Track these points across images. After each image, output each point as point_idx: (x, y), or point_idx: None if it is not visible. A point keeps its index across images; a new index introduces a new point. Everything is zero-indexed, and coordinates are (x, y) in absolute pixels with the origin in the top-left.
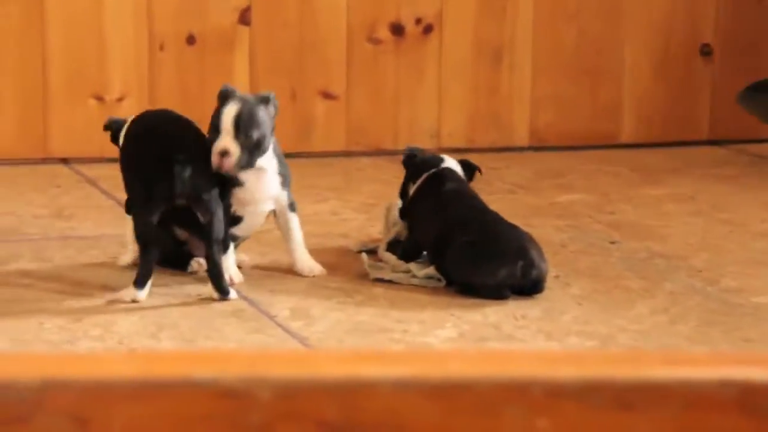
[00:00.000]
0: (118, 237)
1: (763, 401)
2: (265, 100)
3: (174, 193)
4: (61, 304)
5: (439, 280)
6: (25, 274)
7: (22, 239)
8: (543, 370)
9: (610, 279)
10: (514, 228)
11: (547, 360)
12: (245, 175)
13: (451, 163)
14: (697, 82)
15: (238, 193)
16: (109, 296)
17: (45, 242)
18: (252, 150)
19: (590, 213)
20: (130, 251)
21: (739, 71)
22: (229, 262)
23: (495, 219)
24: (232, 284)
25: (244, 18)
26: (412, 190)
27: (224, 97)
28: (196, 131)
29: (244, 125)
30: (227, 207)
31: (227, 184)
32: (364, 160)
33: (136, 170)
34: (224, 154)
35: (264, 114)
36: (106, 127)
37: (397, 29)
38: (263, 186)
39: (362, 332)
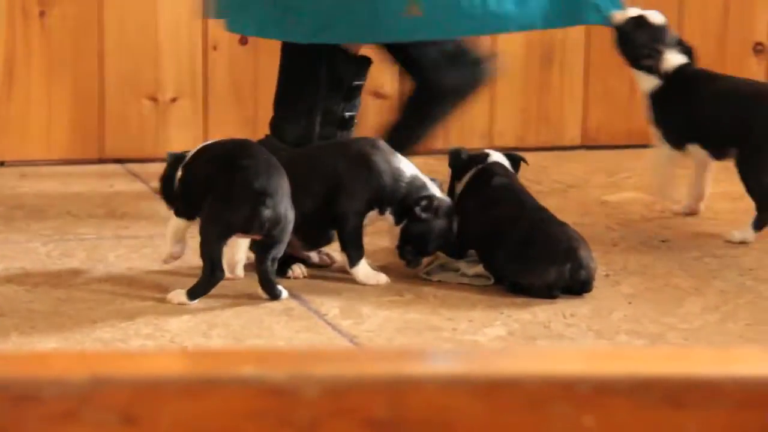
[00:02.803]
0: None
1: None
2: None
3: (252, 227)
4: (113, 302)
5: (488, 278)
6: (79, 272)
7: (76, 238)
8: (590, 368)
9: (660, 277)
10: (563, 227)
11: (594, 357)
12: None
13: (497, 157)
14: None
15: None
16: (160, 294)
17: (98, 241)
18: None
19: (641, 211)
20: (166, 253)
21: None
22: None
23: (544, 217)
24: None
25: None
26: (459, 188)
27: (451, 210)
28: (279, 166)
29: None
30: (365, 208)
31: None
32: (416, 160)
33: (220, 193)
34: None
35: None
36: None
37: None
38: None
39: (412, 330)
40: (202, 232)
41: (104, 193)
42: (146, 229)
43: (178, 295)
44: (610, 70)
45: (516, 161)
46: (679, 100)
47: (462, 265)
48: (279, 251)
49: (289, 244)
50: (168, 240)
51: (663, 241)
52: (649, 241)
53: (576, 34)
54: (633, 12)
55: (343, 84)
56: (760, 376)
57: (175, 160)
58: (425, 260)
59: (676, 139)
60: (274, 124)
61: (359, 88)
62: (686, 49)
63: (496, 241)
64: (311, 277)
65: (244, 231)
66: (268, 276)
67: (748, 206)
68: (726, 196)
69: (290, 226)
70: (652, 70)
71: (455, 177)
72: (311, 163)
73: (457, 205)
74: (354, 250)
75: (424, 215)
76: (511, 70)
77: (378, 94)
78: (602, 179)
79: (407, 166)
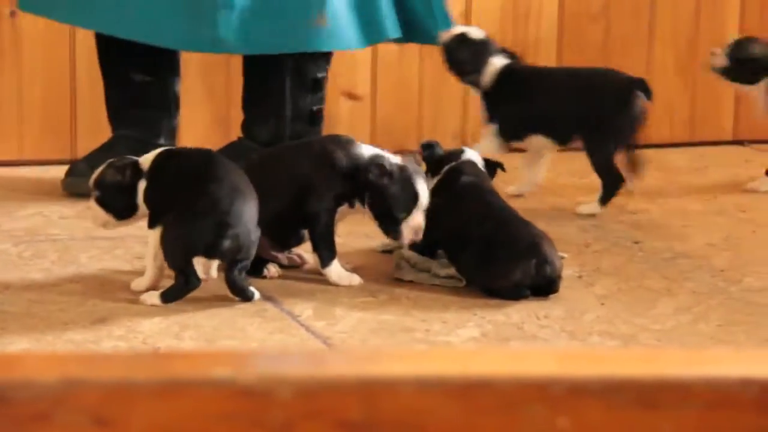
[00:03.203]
0: (143, 238)
1: None
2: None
3: (213, 256)
4: (85, 304)
5: (459, 280)
6: (50, 274)
7: (48, 239)
8: (563, 369)
9: (633, 279)
10: (526, 225)
11: (567, 359)
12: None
13: (471, 155)
14: (721, 83)
15: (344, 209)
16: (132, 295)
17: (70, 242)
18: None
19: (613, 213)
20: (148, 276)
21: None
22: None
23: (508, 217)
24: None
25: None
26: (431, 184)
27: (407, 176)
28: (243, 186)
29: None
30: (335, 206)
31: (341, 202)
32: None
33: (183, 218)
34: (418, 232)
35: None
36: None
37: None
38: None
39: (385, 332)
40: (166, 250)
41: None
42: (118, 230)
43: (152, 297)
44: None
45: (493, 167)
46: (515, 97)
47: (434, 266)
48: (246, 265)
49: (259, 245)
50: (151, 261)
51: (635, 243)
52: (622, 242)
53: (548, 34)
54: (456, 30)
55: (307, 78)
56: (731, 377)
57: (134, 169)
58: (399, 260)
59: (516, 132)
60: (245, 126)
61: (323, 80)
62: (511, 55)
63: (461, 243)
64: (284, 278)
65: (206, 257)
66: (236, 284)
67: (719, 207)
68: (700, 197)
69: (255, 246)
70: (475, 83)
71: (429, 172)
72: (278, 164)
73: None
74: (326, 251)
75: (379, 181)
76: None
77: (351, 95)
78: (575, 181)
79: (367, 149)
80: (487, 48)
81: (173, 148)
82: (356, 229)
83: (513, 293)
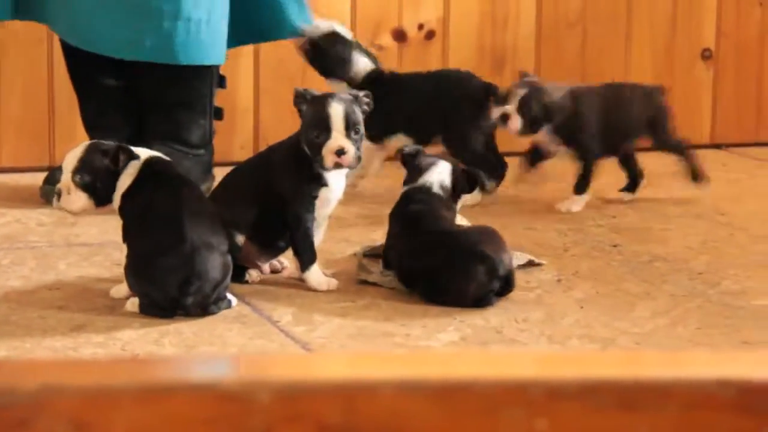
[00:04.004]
0: (121, 245)
1: (761, 400)
2: (356, 99)
3: (191, 305)
4: (64, 311)
5: None
6: (29, 281)
7: (27, 246)
8: (542, 372)
9: (612, 282)
10: (466, 234)
11: (546, 361)
12: (329, 174)
13: (435, 176)
14: (699, 87)
15: (322, 193)
16: (111, 302)
17: (49, 249)
18: (359, 146)
19: (592, 216)
20: (125, 284)
21: (740, 75)
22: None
23: (448, 238)
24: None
25: None
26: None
27: (320, 97)
28: (208, 230)
29: (353, 122)
30: (311, 208)
31: (314, 185)
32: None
33: (145, 264)
34: (342, 152)
35: (360, 111)
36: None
37: (400, 35)
38: (340, 186)
39: (365, 337)
40: (130, 286)
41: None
42: (97, 237)
43: (133, 304)
44: (560, 76)
45: (474, 180)
46: (378, 100)
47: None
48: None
49: (244, 253)
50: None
51: (614, 246)
52: (600, 246)
53: (526, 42)
54: (323, 26)
55: (217, 73)
56: (708, 378)
57: (127, 157)
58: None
59: (378, 134)
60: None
61: (218, 70)
62: (370, 55)
63: (410, 275)
64: (264, 283)
65: (169, 312)
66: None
67: (697, 210)
68: (679, 201)
69: (224, 287)
70: (344, 79)
71: (405, 180)
72: (247, 179)
73: (390, 214)
74: (306, 255)
75: (298, 108)
76: None
77: None
78: (553, 185)
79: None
80: (356, 48)
81: (158, 161)
82: (336, 234)
83: (479, 303)
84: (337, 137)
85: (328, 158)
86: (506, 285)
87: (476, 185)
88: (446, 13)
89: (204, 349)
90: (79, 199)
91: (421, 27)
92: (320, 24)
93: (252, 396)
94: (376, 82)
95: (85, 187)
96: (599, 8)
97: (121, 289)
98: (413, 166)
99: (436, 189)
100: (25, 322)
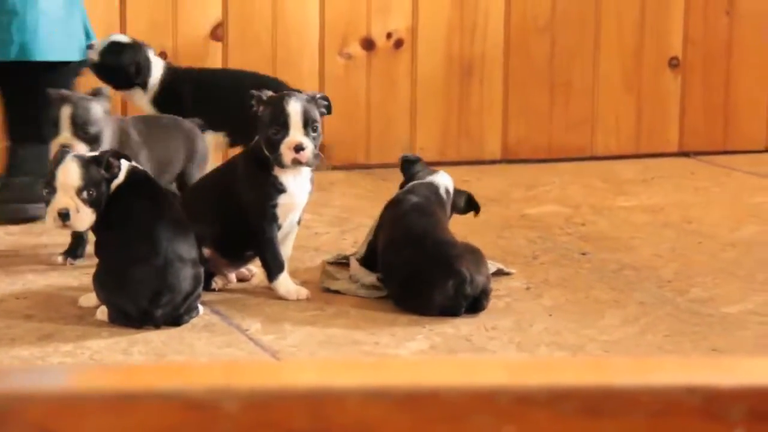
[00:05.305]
0: (89, 254)
1: (728, 407)
2: (313, 99)
3: (160, 316)
4: (31, 320)
5: (381, 289)
6: None
7: None
8: (510, 379)
9: (581, 290)
10: (449, 245)
11: (514, 368)
12: (287, 180)
13: (443, 180)
14: (667, 95)
15: (282, 200)
16: (79, 311)
17: (16, 258)
18: (317, 144)
19: (561, 225)
20: (94, 293)
21: (707, 83)
22: None
23: (428, 242)
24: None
25: (216, 34)
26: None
27: (278, 96)
28: (179, 243)
29: (311, 120)
30: (273, 216)
31: (271, 192)
32: (337, 174)
33: (120, 273)
34: (300, 148)
35: (317, 110)
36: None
37: (369, 44)
38: (303, 190)
39: (334, 345)
40: (100, 299)
41: None
42: (65, 246)
43: (103, 313)
44: (529, 84)
45: (472, 205)
46: (188, 98)
47: (361, 274)
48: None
49: (213, 263)
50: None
51: (583, 254)
52: (570, 254)
53: (494, 49)
54: (107, 40)
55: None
56: (676, 385)
57: (119, 161)
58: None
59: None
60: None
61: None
62: (163, 56)
63: (388, 269)
64: (233, 292)
65: (139, 323)
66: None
67: (666, 218)
68: (647, 209)
69: (195, 298)
70: (143, 84)
71: (401, 186)
72: (209, 193)
73: (381, 214)
74: (273, 264)
75: (254, 111)
76: (432, 85)
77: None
78: (522, 193)
79: None
80: (142, 51)
81: (138, 169)
82: (305, 243)
83: (447, 312)
84: (295, 134)
85: (286, 154)
86: (476, 303)
87: (471, 209)
88: (415, 22)
89: (172, 358)
90: (87, 215)
91: (389, 36)
92: (98, 41)
93: (219, 404)
94: (182, 78)
95: (92, 203)
96: (568, 15)
97: (90, 298)
98: (411, 173)
99: (441, 192)
100: None
